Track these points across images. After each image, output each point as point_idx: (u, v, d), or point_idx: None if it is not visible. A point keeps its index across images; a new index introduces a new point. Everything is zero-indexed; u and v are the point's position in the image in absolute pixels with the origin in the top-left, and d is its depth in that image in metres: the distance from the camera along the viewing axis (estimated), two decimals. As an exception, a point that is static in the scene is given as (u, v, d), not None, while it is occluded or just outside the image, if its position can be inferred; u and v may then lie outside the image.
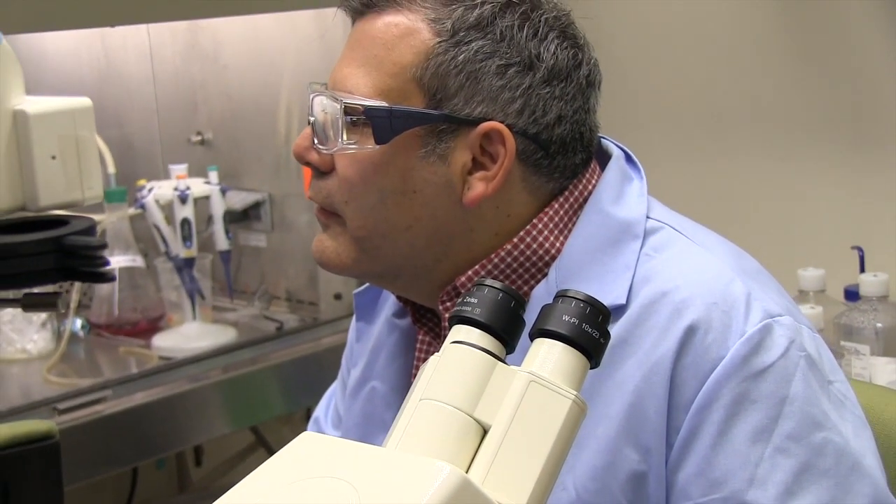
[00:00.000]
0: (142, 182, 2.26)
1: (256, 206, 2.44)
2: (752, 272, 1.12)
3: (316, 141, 1.13)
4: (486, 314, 0.83)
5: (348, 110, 1.09)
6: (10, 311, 2.24)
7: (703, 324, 1.04)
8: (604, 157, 1.20)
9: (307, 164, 1.15)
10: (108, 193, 2.19)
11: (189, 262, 2.24)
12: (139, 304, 2.36)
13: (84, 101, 0.73)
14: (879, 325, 2.03)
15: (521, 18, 1.10)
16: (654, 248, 1.11)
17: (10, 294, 0.69)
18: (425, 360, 1.10)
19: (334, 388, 1.42)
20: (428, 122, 1.09)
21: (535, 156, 1.12)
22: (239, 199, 2.42)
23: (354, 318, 1.34)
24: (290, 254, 2.44)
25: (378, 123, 1.09)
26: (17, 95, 0.70)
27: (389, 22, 1.10)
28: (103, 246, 0.67)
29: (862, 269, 2.16)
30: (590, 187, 1.15)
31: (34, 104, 0.70)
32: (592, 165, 1.17)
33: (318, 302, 2.40)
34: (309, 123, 1.14)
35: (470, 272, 1.13)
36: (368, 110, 1.09)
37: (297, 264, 2.43)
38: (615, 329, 1.06)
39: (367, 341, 1.30)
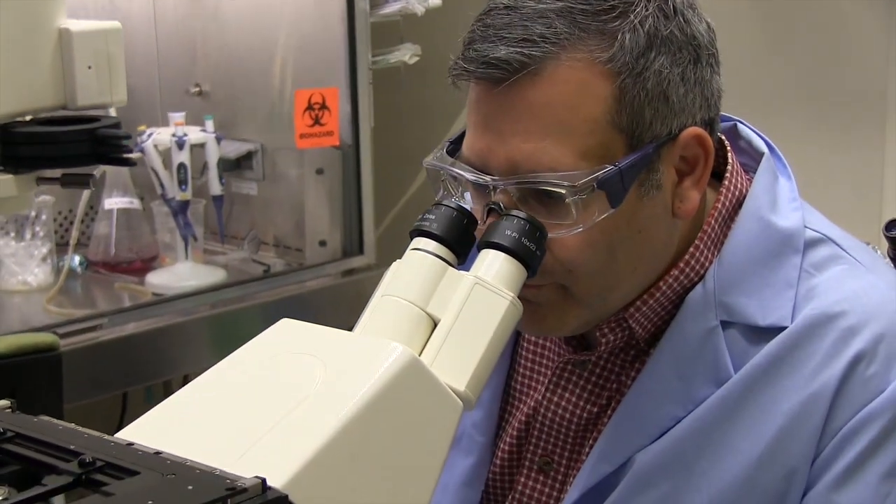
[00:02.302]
0: (142, 128, 2.34)
1: (249, 155, 2.52)
2: None
3: None
4: (441, 228, 0.98)
5: (576, 189, 0.98)
6: (12, 246, 2.35)
7: (869, 354, 1.02)
8: (744, 146, 1.15)
9: None
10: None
11: (184, 206, 2.33)
12: (135, 244, 2.47)
13: (115, 24, 0.88)
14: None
15: (671, 14, 1.02)
16: (814, 266, 1.07)
17: (49, 173, 0.84)
18: (530, 358, 1.18)
19: None
20: (648, 162, 1.01)
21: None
22: (233, 149, 2.50)
23: None
24: (279, 202, 2.54)
25: (611, 189, 0.99)
26: (61, 17, 0.86)
27: (558, 80, 0.98)
28: (128, 136, 0.82)
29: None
30: (734, 191, 1.10)
31: (76, 24, 0.86)
32: (735, 165, 1.11)
33: (304, 248, 2.50)
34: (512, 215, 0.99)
35: (639, 303, 1.07)
36: (601, 181, 0.98)
37: (285, 212, 2.53)
38: (771, 346, 1.04)
39: None
